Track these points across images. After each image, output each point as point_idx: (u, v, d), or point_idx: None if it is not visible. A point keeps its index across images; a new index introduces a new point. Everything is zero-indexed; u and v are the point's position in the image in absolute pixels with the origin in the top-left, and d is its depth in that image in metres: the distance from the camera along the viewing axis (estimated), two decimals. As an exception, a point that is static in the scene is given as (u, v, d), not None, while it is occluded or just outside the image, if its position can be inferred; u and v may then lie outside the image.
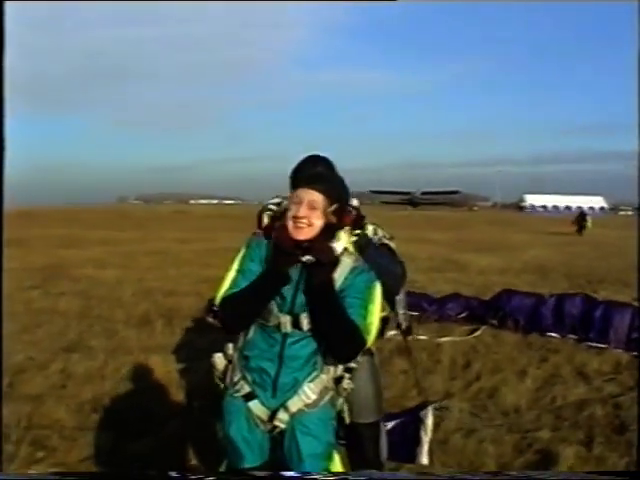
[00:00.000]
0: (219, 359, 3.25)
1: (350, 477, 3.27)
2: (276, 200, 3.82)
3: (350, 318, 3.00)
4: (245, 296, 3.06)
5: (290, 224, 3.01)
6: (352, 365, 3.26)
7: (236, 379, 3.16)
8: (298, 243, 2.99)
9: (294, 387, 3.09)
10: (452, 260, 20.77)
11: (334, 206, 3.04)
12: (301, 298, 3.06)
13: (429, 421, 5.01)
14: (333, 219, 3.05)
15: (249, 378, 3.13)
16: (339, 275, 3.08)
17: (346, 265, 3.11)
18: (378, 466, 4.33)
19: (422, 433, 4.99)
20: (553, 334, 9.23)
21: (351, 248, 3.48)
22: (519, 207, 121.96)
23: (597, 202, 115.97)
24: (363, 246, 3.83)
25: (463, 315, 10.47)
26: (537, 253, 22.77)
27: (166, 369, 7.36)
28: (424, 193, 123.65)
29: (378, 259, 3.82)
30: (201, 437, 5.33)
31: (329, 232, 3.05)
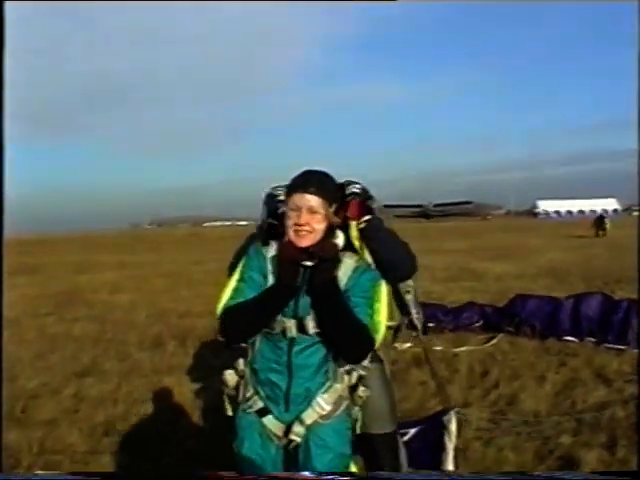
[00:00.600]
0: (230, 375, 3.19)
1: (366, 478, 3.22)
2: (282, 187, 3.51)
3: (357, 317, 2.93)
4: (251, 308, 2.97)
5: (291, 233, 2.96)
6: (361, 373, 3.20)
7: (249, 395, 3.10)
8: (303, 250, 2.94)
9: (307, 398, 3.02)
10: (468, 269, 20.66)
11: (334, 206, 3.01)
12: (305, 301, 3.00)
13: (453, 427, 4.91)
14: (336, 220, 3.04)
15: (262, 393, 3.06)
16: (342, 275, 3.02)
17: (349, 265, 3.06)
18: (395, 470, 4.24)
19: (446, 439, 4.89)
20: (571, 338, 9.08)
21: (357, 242, 3.41)
22: (533, 214, 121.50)
23: (610, 204, 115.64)
24: (374, 230, 3.71)
25: (479, 324, 10.35)
26: (553, 257, 22.61)
27: (180, 390, 7.28)
28: (437, 205, 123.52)
29: (389, 243, 3.73)
30: (217, 456, 5.16)
31: (332, 233, 3.03)
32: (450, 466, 4.90)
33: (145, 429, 6.04)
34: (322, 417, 3.02)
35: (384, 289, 3.15)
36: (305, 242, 2.93)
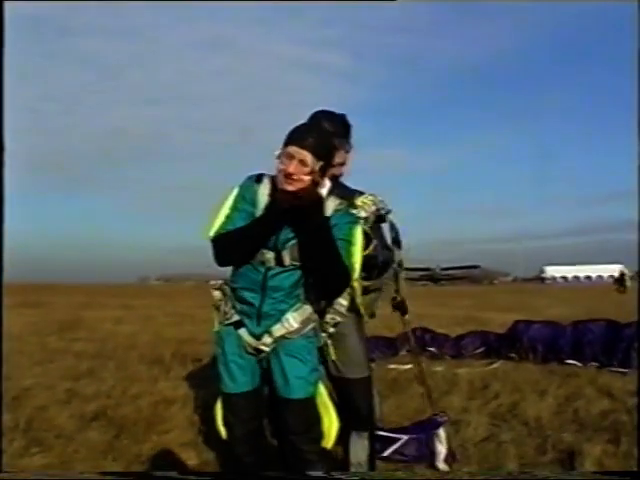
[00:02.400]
0: (216, 293, 3.48)
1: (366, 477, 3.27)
2: None
3: (340, 255, 3.21)
4: (246, 233, 3.27)
5: (280, 178, 3.18)
6: (338, 319, 3.53)
7: (227, 309, 3.41)
8: (295, 196, 3.16)
9: (277, 316, 3.30)
10: (474, 317, 20.46)
11: (320, 164, 3.16)
12: (284, 235, 3.27)
13: (442, 432, 4.99)
14: (318, 178, 3.19)
15: (238, 307, 3.37)
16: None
17: (329, 207, 3.31)
18: (370, 421, 4.21)
19: (437, 443, 4.96)
20: (574, 362, 8.92)
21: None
22: (540, 279, 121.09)
23: (617, 270, 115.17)
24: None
25: (481, 350, 10.24)
26: (558, 311, 22.42)
27: (174, 392, 7.22)
28: (444, 269, 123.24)
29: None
30: (196, 446, 5.28)
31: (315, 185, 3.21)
32: (442, 466, 4.88)
33: (134, 417, 5.98)
34: (290, 332, 3.31)
35: (360, 233, 3.39)
36: (293, 187, 3.14)
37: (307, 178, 3.13)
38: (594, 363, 8.74)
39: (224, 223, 3.31)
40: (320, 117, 3.90)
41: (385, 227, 4.21)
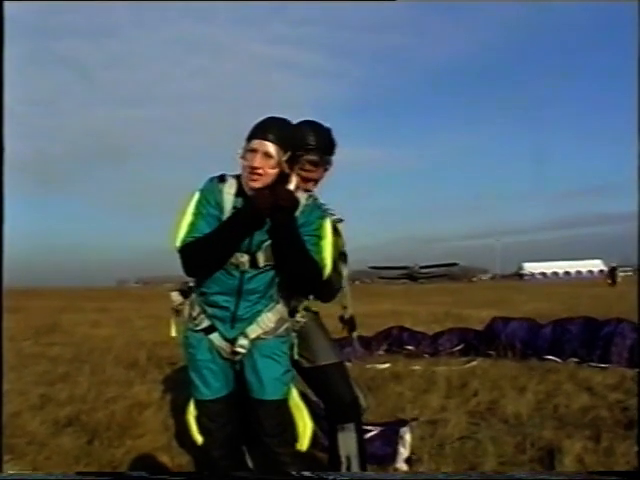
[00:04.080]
0: (175, 295, 3.40)
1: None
2: None
3: (310, 253, 3.17)
4: (216, 239, 3.16)
5: (245, 174, 3.12)
6: (298, 318, 3.53)
7: (195, 314, 3.32)
8: (274, 204, 3.07)
9: (252, 318, 3.26)
10: (452, 314, 20.45)
11: (287, 154, 3.10)
12: (258, 238, 3.18)
13: (407, 437, 4.99)
14: (286, 167, 3.12)
15: (209, 312, 3.28)
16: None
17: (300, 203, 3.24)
18: (356, 410, 4.13)
19: (400, 447, 4.94)
20: (553, 357, 8.88)
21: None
22: (519, 275, 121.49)
23: (596, 265, 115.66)
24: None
25: (459, 347, 10.18)
26: (536, 305, 22.53)
27: (149, 395, 7.15)
28: (422, 267, 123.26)
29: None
30: (168, 450, 5.19)
31: (282, 179, 3.15)
32: (403, 466, 4.88)
33: (107, 422, 5.89)
34: (265, 333, 3.28)
35: (329, 227, 3.35)
36: (257, 184, 3.08)
37: (273, 171, 3.07)
38: (573, 359, 8.69)
39: (189, 231, 3.19)
40: (306, 129, 3.77)
41: None
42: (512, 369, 8.37)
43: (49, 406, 6.60)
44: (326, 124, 3.91)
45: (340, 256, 4.02)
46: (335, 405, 3.96)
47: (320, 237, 3.25)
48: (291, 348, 3.45)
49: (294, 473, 3.14)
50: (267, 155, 3.05)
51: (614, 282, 51.44)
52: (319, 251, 3.22)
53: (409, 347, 10.28)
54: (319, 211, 3.34)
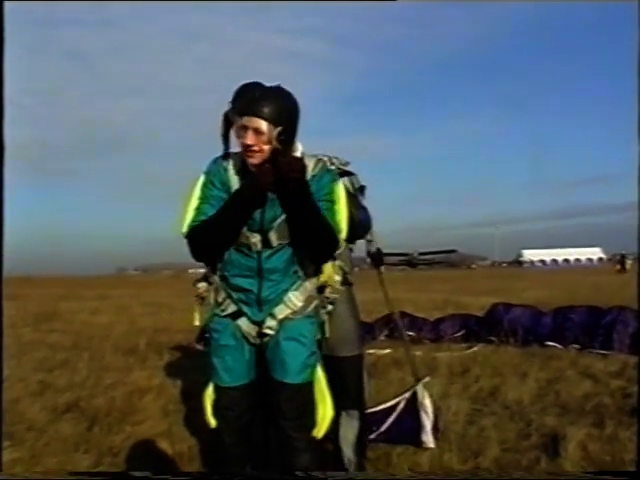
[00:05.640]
0: (202, 284, 3.31)
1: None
2: None
3: (325, 218, 3.07)
4: (220, 221, 3.09)
5: (242, 151, 3.04)
6: (334, 296, 3.38)
7: (221, 299, 3.23)
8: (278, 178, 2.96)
9: (279, 298, 3.16)
10: (452, 301, 20.42)
11: (277, 130, 2.96)
12: (269, 215, 3.10)
13: (427, 401, 4.87)
14: (277, 145, 2.97)
15: (234, 296, 3.19)
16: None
17: (309, 169, 3.14)
18: (361, 400, 4.20)
19: (423, 415, 4.84)
20: (554, 344, 8.85)
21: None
22: (518, 263, 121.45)
23: (595, 253, 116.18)
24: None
25: (460, 333, 10.15)
26: (537, 293, 22.48)
27: (148, 381, 7.12)
28: (421, 253, 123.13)
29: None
30: (168, 436, 5.13)
31: (277, 153, 2.98)
32: (431, 444, 4.77)
33: (107, 408, 5.88)
34: (293, 313, 3.18)
35: (342, 189, 3.25)
36: (255, 160, 2.99)
37: (267, 147, 2.97)
38: (575, 345, 8.66)
39: (195, 215, 3.12)
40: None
41: None
42: (514, 355, 8.36)
43: (48, 392, 6.57)
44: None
45: (359, 190, 4.17)
46: (341, 393, 3.93)
47: (333, 202, 3.15)
48: (320, 327, 3.34)
49: (297, 473, 3.01)
50: (258, 132, 2.95)
51: (624, 269, 52.94)
52: (333, 215, 3.12)
53: (410, 333, 10.20)
54: (329, 175, 3.24)
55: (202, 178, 3.19)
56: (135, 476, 2.65)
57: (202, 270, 3.36)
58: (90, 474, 3.68)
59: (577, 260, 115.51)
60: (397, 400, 5.12)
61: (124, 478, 2.58)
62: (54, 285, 42.69)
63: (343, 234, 3.18)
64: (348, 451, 4.18)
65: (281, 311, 3.17)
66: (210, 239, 3.12)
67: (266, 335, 3.18)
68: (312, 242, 3.12)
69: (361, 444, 4.22)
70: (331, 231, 3.09)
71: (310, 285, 3.25)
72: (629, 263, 55.93)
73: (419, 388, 4.95)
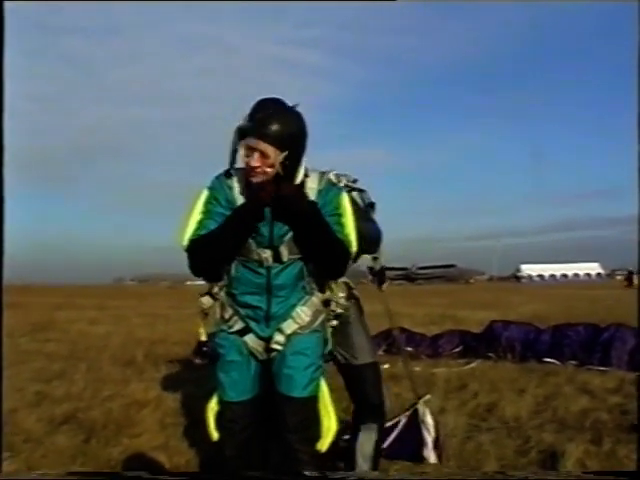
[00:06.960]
0: (205, 299, 3.30)
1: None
2: None
3: (334, 233, 3.10)
4: (221, 236, 3.09)
5: (246, 172, 3.06)
6: (339, 311, 3.40)
7: (227, 316, 3.24)
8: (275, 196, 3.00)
9: (287, 312, 3.18)
10: (449, 315, 20.45)
11: (283, 155, 2.98)
12: (278, 231, 3.10)
13: (428, 418, 4.89)
14: (280, 171, 3.00)
15: (242, 313, 3.21)
16: (311, 198, 3.16)
17: (312, 190, 3.18)
18: (381, 411, 4.20)
19: (425, 434, 4.84)
20: (552, 360, 8.85)
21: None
22: (516, 277, 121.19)
23: (593, 269, 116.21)
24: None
25: (458, 349, 10.15)
26: (534, 307, 22.54)
27: (146, 394, 7.07)
28: (420, 268, 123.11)
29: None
30: (164, 450, 5.12)
31: (279, 179, 3.02)
32: (432, 458, 4.78)
33: (104, 420, 5.85)
34: (301, 328, 3.20)
35: (347, 201, 3.27)
36: (258, 179, 3.02)
37: (271, 170, 2.98)
38: (573, 362, 8.66)
39: (197, 229, 3.12)
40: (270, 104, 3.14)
41: None
42: (511, 371, 8.36)
43: (45, 403, 6.56)
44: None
45: (369, 206, 4.16)
46: (362, 405, 4.08)
47: (341, 215, 3.17)
48: (326, 342, 3.35)
49: (297, 473, 3.05)
50: (264, 155, 2.96)
51: (630, 284, 53.85)
52: (342, 228, 3.15)
53: (408, 349, 10.19)
54: (335, 189, 3.28)
55: (206, 193, 3.19)
56: (131, 476, 2.67)
57: (200, 282, 3.37)
58: (88, 474, 3.69)
59: (575, 275, 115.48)
60: (398, 418, 5.14)
61: (121, 478, 2.58)
62: (51, 294, 42.70)
63: (354, 247, 3.20)
64: (364, 464, 4.18)
65: (289, 326, 3.19)
66: (210, 253, 3.12)
67: (274, 350, 3.20)
68: (325, 258, 3.17)
69: (377, 456, 4.24)
70: (342, 245, 3.13)
71: (317, 300, 3.27)
72: (637, 277, 57.30)
73: (420, 406, 4.96)
